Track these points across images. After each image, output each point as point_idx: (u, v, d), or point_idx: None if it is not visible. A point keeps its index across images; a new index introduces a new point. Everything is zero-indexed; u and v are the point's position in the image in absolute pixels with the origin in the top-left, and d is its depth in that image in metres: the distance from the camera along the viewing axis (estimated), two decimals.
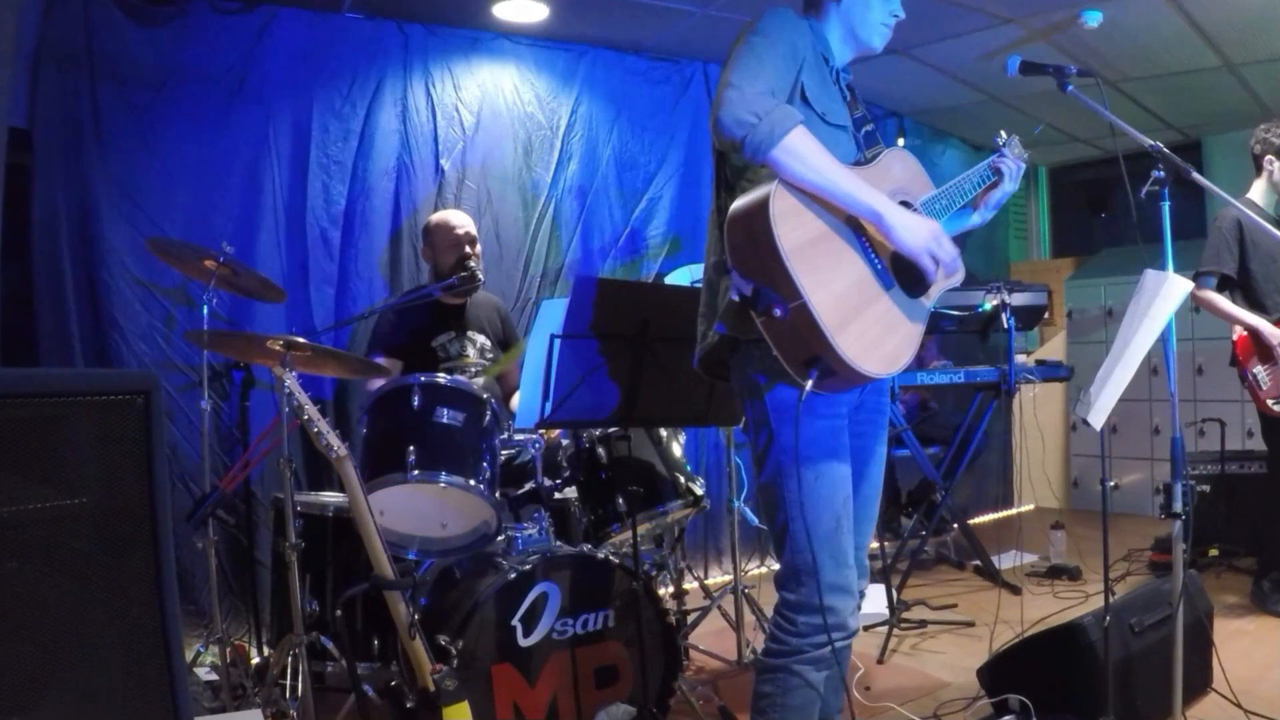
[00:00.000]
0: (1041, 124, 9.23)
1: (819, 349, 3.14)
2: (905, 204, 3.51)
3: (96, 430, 2.81)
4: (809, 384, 3.19)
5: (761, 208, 3.14)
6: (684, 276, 6.78)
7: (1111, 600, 4.49)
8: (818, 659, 3.44)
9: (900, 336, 3.38)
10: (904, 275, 3.42)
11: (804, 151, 3.18)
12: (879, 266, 3.36)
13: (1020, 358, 8.24)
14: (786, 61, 3.35)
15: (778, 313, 3.13)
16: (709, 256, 3.59)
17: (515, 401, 5.86)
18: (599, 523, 5.30)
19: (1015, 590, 7.42)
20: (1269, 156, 6.44)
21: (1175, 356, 4.15)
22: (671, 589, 6.20)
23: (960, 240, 3.64)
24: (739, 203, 3.26)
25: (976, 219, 3.95)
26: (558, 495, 5.42)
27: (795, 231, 3.16)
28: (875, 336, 3.27)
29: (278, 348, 4.34)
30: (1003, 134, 3.98)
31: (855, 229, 3.34)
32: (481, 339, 6.14)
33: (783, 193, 3.18)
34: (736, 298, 3.27)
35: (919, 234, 3.32)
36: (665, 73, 8.22)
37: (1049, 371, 7.83)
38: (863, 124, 3.71)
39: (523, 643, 4.47)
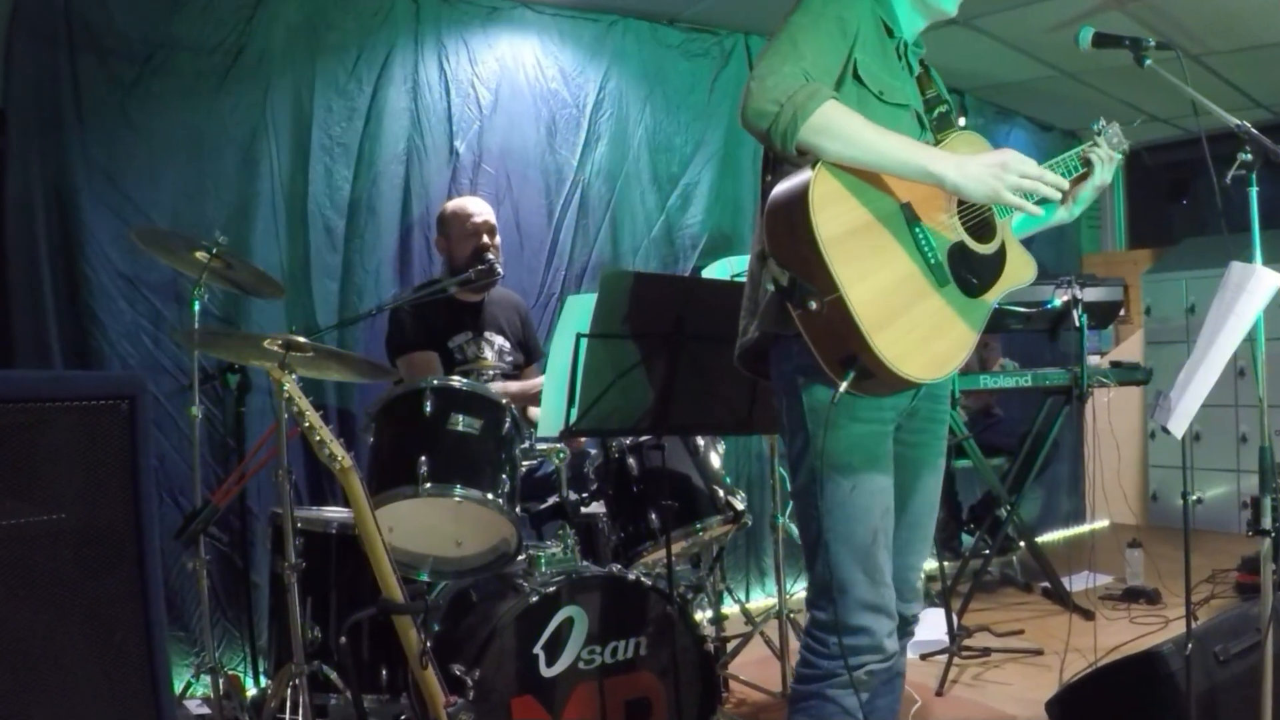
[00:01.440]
0: (1141, 118, 9.22)
1: (856, 347, 3.12)
2: None
3: (76, 439, 2.80)
4: (843, 385, 3.16)
5: (802, 191, 3.12)
6: (723, 270, 6.73)
7: (1194, 626, 4.45)
8: (852, 682, 3.41)
9: (952, 339, 3.34)
10: (962, 272, 3.38)
11: (836, 126, 3.13)
12: (933, 262, 3.31)
13: (1093, 359, 8.23)
14: (832, 39, 3.30)
15: (813, 306, 3.11)
16: (753, 247, 3.55)
17: (536, 410, 5.84)
18: (630, 541, 5.28)
19: (1088, 615, 7.37)
20: None
21: (1264, 357, 4.11)
22: (709, 613, 6.17)
23: (1027, 235, 3.61)
24: (780, 186, 3.24)
25: (1064, 214, 3.82)
26: (584, 510, 5.42)
27: (837, 219, 3.13)
28: (922, 337, 3.24)
29: (276, 348, 4.33)
30: (1101, 121, 3.91)
31: (910, 219, 3.30)
32: (500, 340, 6.13)
33: (826, 175, 3.15)
34: (772, 287, 3.25)
35: (988, 183, 3.22)
36: (703, 45, 8.21)
37: (1125, 374, 7.79)
38: (936, 104, 3.65)
39: (546, 673, 4.45)
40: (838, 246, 3.09)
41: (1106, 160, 3.77)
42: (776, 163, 3.42)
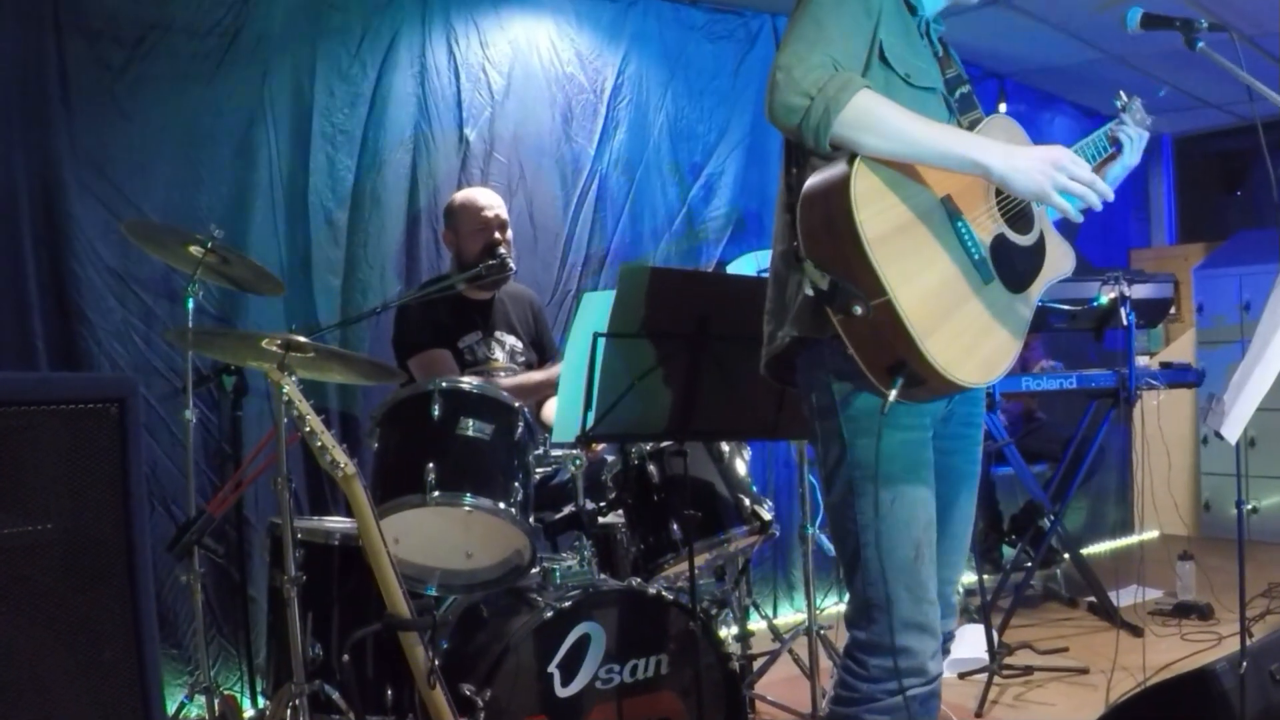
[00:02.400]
0: (1166, 86, 9.19)
1: (905, 353, 3.09)
2: None
3: (63, 445, 2.79)
4: (893, 394, 3.13)
5: (841, 188, 3.08)
6: (749, 265, 6.74)
7: (1249, 643, 4.43)
8: (892, 708, 3.37)
9: (1000, 339, 3.32)
10: (1005, 267, 3.36)
11: (873, 117, 3.10)
12: (977, 258, 3.29)
13: (1142, 360, 8.18)
14: (856, 20, 3.28)
15: (858, 311, 3.07)
16: (777, 245, 3.53)
17: (550, 410, 5.84)
18: (650, 553, 5.26)
19: (1136, 632, 7.35)
20: None
21: None
22: (735, 630, 6.16)
23: (1070, 226, 3.57)
24: (815, 180, 3.21)
25: None
26: (602, 520, 5.41)
27: (880, 216, 3.10)
28: (971, 339, 3.22)
29: (275, 348, 4.32)
30: (1122, 96, 3.89)
31: (951, 212, 3.27)
32: (511, 340, 6.12)
33: (865, 170, 3.11)
34: (811, 292, 3.21)
35: (1037, 179, 3.18)
36: (728, 27, 8.21)
37: (1176, 376, 7.78)
38: (957, 85, 3.62)
39: (561, 693, 4.45)
40: (883, 247, 3.06)
41: (1136, 139, 3.75)
42: (801, 159, 3.40)
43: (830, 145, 3.11)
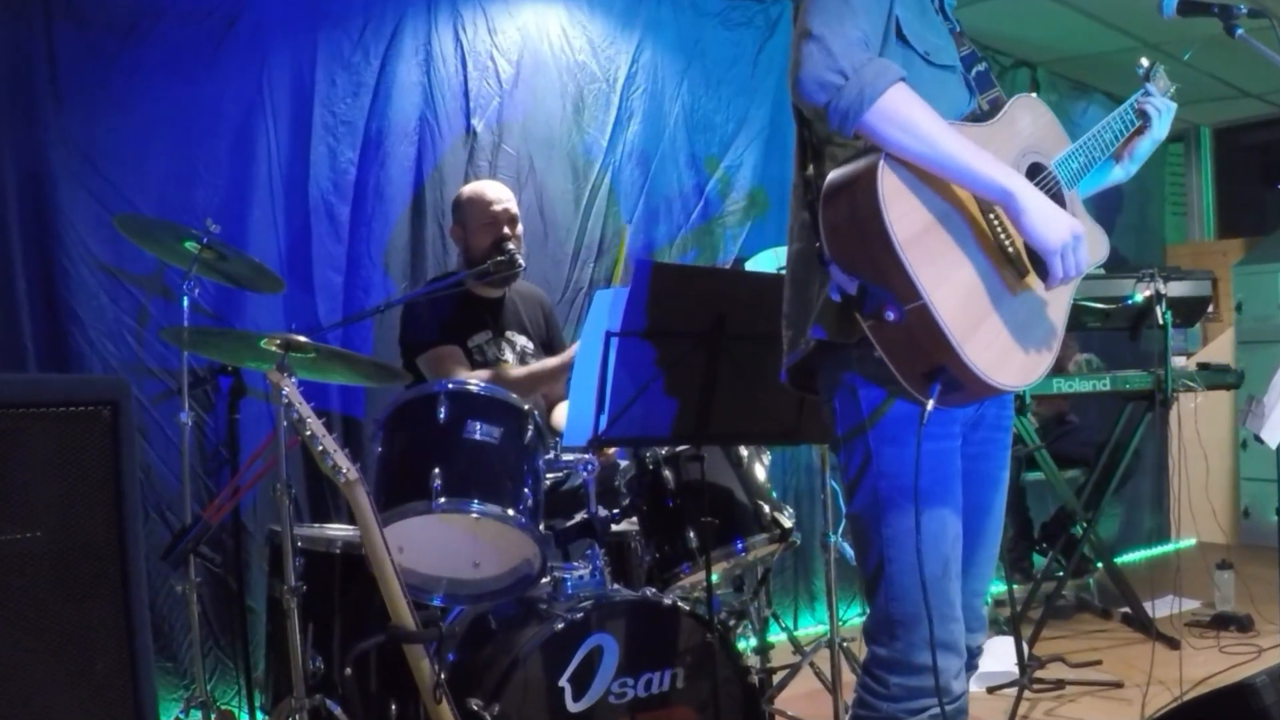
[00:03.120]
0: (1191, 48, 9.16)
1: (943, 359, 3.05)
2: (1037, 166, 3.41)
3: (53, 449, 2.80)
4: (930, 402, 3.10)
5: (868, 184, 3.04)
6: (769, 261, 6.73)
7: None
8: None
9: (1039, 336, 3.29)
10: (1039, 258, 3.32)
11: (906, 116, 3.06)
12: (1010, 251, 3.25)
13: (1179, 360, 8.19)
14: None
15: (890, 316, 3.03)
16: (792, 243, 3.51)
17: (560, 413, 5.83)
18: (665, 562, 5.26)
19: (1172, 644, 7.34)
20: None
21: None
22: (754, 642, 6.16)
23: (1108, 220, 3.56)
24: (838, 175, 3.17)
25: (1120, 172, 3.79)
26: (615, 528, 5.40)
27: (911, 214, 3.06)
28: (1010, 339, 3.19)
29: (274, 348, 4.33)
30: (1144, 62, 3.87)
31: (983, 204, 3.23)
32: (522, 340, 6.10)
33: (891, 165, 3.07)
34: (838, 297, 3.17)
35: (1057, 228, 3.17)
36: (747, 13, 8.21)
37: (1214, 377, 7.78)
38: (973, 63, 3.57)
39: (572, 708, 4.44)
40: (915, 247, 3.02)
41: (1164, 110, 3.72)
42: (819, 150, 3.38)
43: (851, 133, 3.08)
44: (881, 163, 3.05)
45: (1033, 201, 3.14)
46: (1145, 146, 3.74)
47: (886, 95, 3.02)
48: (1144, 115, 3.70)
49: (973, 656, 3.62)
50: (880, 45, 3.22)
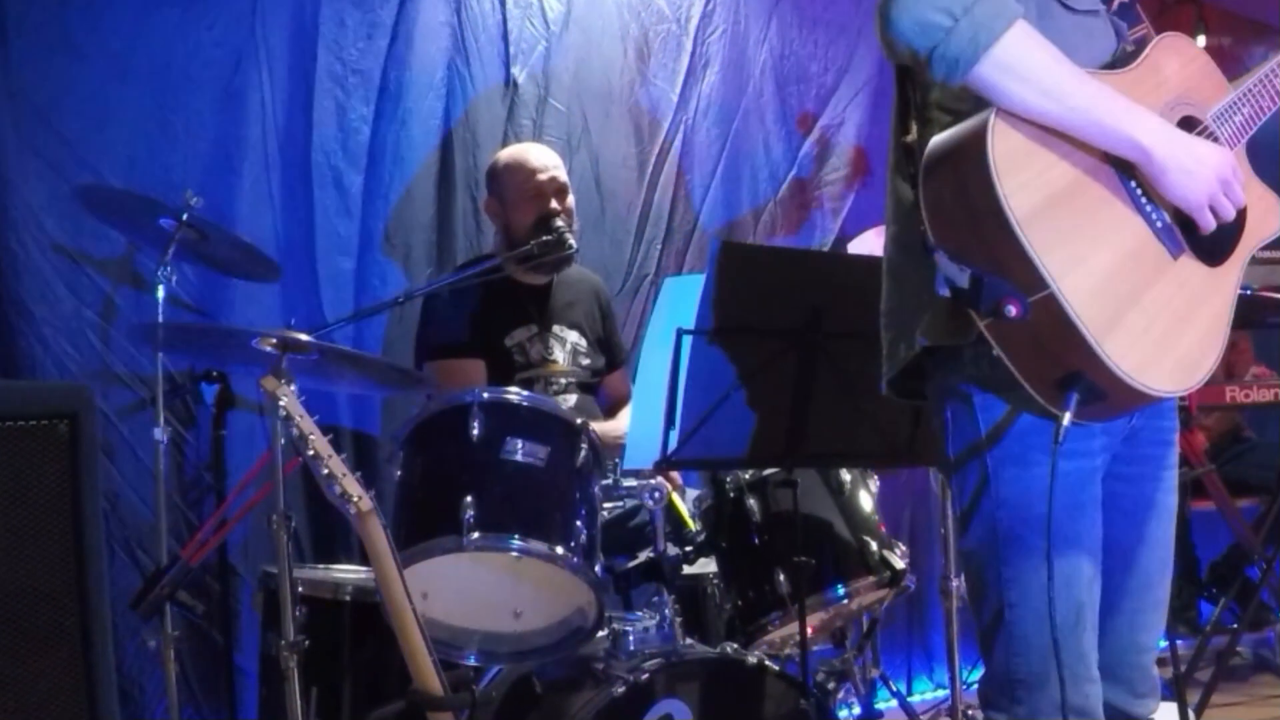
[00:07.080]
0: None
1: (1079, 361, 3.01)
2: (1190, 120, 3.36)
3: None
4: (1067, 417, 3.05)
5: (977, 149, 3.01)
6: (876, 242, 6.72)
7: None
8: None
9: (1200, 328, 3.24)
10: (1196, 233, 3.25)
11: (1026, 63, 3.03)
12: (1159, 225, 3.20)
13: None
14: None
15: (1012, 311, 2.97)
16: (890, 227, 3.51)
17: (620, 425, 5.82)
18: (749, 611, 5.27)
19: None
20: None
21: None
22: (858, 710, 6.15)
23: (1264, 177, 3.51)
24: (941, 140, 3.15)
25: None
26: (687, 570, 5.39)
27: (1030, 186, 3.02)
28: (1162, 332, 3.13)
29: (269, 348, 4.34)
30: None
31: (1119, 166, 3.18)
32: (574, 337, 6.11)
33: (1004, 127, 3.03)
34: (946, 292, 3.13)
35: (1200, 177, 3.14)
36: None
37: None
38: None
39: None
40: (1038, 225, 2.97)
41: None
42: (923, 111, 3.35)
43: (958, 84, 3.06)
44: (993, 121, 3.01)
45: (1169, 153, 3.11)
46: None
47: (1004, 39, 3.00)
48: None
49: None
50: None
